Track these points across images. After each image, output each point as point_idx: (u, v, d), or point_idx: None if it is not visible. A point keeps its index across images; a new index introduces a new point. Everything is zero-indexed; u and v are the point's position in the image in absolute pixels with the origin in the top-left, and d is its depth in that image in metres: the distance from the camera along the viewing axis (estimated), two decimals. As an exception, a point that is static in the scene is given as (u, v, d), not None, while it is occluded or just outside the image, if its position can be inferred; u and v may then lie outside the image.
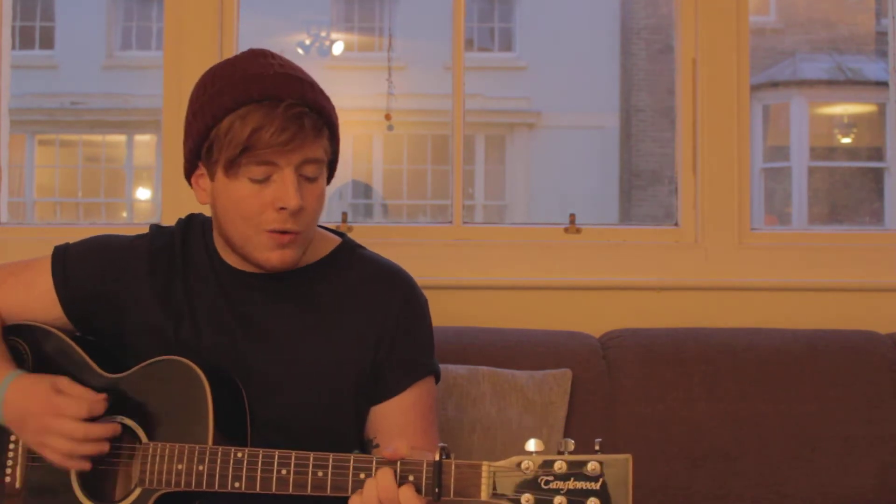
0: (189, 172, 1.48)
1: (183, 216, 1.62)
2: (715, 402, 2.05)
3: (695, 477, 2.02)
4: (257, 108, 1.37)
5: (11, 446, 1.47)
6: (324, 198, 1.47)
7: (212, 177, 1.44)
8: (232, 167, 1.39)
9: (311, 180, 1.42)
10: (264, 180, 1.39)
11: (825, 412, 2.05)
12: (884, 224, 6.49)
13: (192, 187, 1.50)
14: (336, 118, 1.48)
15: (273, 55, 1.46)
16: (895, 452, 2.04)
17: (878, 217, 9.98)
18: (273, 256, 1.43)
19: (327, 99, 1.46)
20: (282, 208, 1.39)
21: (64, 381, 1.41)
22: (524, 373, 2.02)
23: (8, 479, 1.44)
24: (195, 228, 1.58)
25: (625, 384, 2.07)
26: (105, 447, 1.38)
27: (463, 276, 2.36)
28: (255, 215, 1.41)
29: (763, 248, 2.41)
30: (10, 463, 1.45)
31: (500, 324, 2.23)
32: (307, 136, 1.39)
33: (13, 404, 1.41)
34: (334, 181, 1.58)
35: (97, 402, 1.38)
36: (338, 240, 1.59)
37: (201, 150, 1.42)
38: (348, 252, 1.57)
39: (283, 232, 1.41)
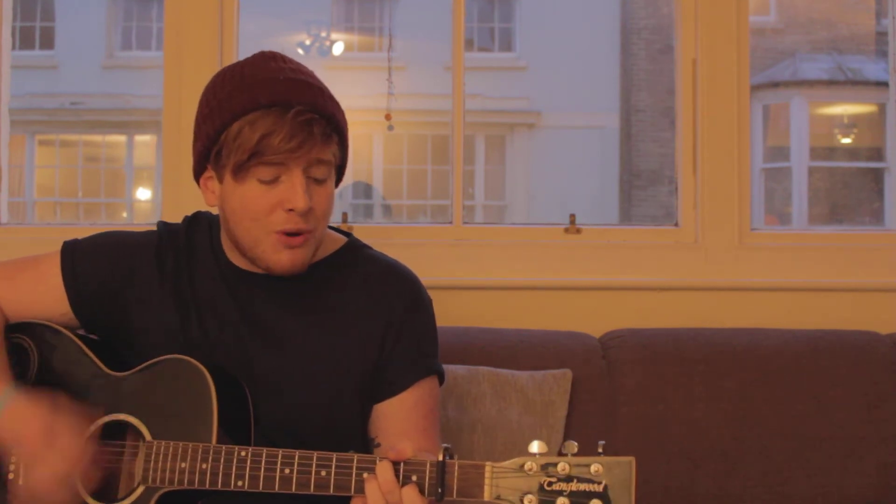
0: (198, 174, 1.49)
1: (187, 214, 1.62)
2: (715, 402, 2.06)
3: (695, 477, 2.02)
4: (266, 113, 1.37)
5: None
6: (333, 199, 1.48)
7: (220, 179, 1.44)
8: (241, 171, 1.40)
9: (320, 182, 1.43)
10: (272, 181, 1.40)
11: (825, 412, 2.06)
12: (884, 224, 6.47)
13: (200, 188, 1.50)
14: (345, 124, 1.48)
15: (284, 59, 1.46)
16: (895, 452, 2.04)
17: (878, 217, 9.98)
18: (283, 258, 1.43)
19: (337, 105, 1.46)
20: (290, 210, 1.40)
21: (59, 424, 1.38)
22: (524, 373, 2.02)
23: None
24: (201, 226, 1.59)
25: (625, 384, 2.08)
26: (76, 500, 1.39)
27: (463, 276, 2.36)
28: (264, 216, 1.41)
29: (763, 248, 2.42)
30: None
31: (500, 324, 2.23)
32: (315, 142, 1.39)
33: (6, 427, 1.40)
34: (336, 181, 1.58)
35: (81, 454, 1.38)
36: (343, 239, 1.59)
37: (210, 153, 1.43)
38: (354, 251, 1.58)
39: (294, 233, 1.42)
